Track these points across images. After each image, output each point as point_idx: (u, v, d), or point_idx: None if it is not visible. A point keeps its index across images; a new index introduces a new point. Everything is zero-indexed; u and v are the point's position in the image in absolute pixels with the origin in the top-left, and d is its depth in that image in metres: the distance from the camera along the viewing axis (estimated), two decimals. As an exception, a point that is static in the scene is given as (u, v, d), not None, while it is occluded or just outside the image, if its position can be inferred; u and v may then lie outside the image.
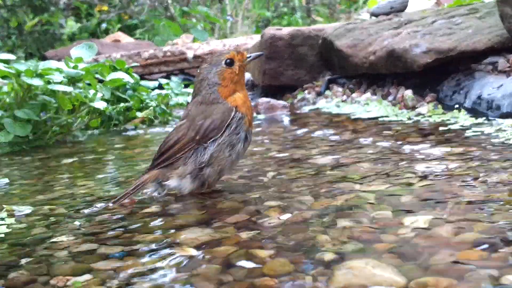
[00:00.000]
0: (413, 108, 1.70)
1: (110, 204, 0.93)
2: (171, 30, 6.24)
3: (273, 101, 2.14)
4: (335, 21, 6.36)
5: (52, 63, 1.85)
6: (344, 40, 2.22)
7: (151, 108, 2.29)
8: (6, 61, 1.79)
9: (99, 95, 1.96)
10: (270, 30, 2.54)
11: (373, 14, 2.52)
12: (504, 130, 1.24)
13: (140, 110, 2.31)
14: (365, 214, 0.75)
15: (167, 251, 0.69)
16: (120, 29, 6.97)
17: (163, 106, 2.33)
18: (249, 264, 0.62)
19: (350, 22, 2.45)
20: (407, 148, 1.18)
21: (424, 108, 1.64)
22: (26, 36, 5.95)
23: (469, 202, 0.76)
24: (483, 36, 1.65)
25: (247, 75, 3.14)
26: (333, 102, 2.15)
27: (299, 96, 2.43)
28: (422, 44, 1.71)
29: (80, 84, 1.97)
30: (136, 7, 7.06)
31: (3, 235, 0.81)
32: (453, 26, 1.81)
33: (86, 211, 0.92)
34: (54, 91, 1.85)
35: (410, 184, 0.88)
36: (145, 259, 0.66)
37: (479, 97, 1.48)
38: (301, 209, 0.81)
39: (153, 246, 0.71)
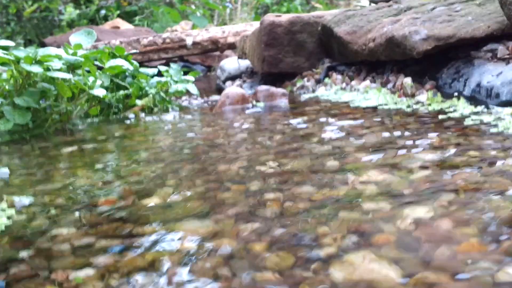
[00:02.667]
0: (412, 96, 1.70)
1: None
2: (170, 16, 6.22)
3: (272, 89, 2.13)
4: (334, 7, 6.33)
5: (51, 50, 1.84)
6: (343, 27, 2.22)
7: (151, 95, 2.29)
8: (5, 48, 1.79)
9: (99, 82, 1.96)
10: (269, 17, 2.53)
11: (373, 1, 2.51)
12: (503, 119, 1.23)
13: (140, 97, 2.31)
14: (364, 206, 0.75)
15: (167, 243, 0.69)
16: (119, 16, 6.94)
17: (162, 94, 2.33)
18: (249, 257, 0.62)
19: (350, 9, 2.44)
20: (406, 137, 1.18)
21: (424, 96, 1.64)
22: (25, 22, 5.93)
23: (469, 193, 0.76)
24: (482, 23, 1.64)
25: (246, 62, 3.14)
26: (332, 90, 2.14)
27: (298, 84, 2.43)
28: (422, 31, 1.71)
29: (80, 71, 1.97)
30: (135, -7, 7.02)
31: (3, 228, 0.82)
32: (452, 13, 1.80)
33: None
34: (54, 78, 1.84)
35: (409, 174, 0.89)
36: (145, 252, 0.67)
37: (478, 85, 1.48)
38: (301, 200, 0.81)
39: (153, 238, 0.71)
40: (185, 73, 2.57)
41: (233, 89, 2.20)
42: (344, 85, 2.13)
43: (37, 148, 1.55)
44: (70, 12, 6.67)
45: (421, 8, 1.99)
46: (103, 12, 7.04)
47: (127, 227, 0.77)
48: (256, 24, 3.64)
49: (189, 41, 4.41)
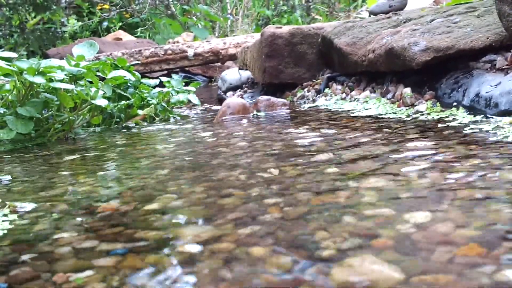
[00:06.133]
0: (412, 105, 1.71)
1: None
2: (172, 28, 6.26)
3: (273, 99, 2.15)
4: (334, 19, 6.37)
5: (54, 61, 1.86)
6: (343, 38, 2.23)
7: (152, 105, 2.30)
8: (8, 59, 1.81)
9: (101, 92, 1.98)
10: (270, 29, 2.55)
11: (372, 13, 2.53)
12: (502, 128, 1.24)
13: (141, 107, 2.33)
14: (364, 211, 0.76)
15: (168, 247, 0.70)
16: (121, 28, 6.99)
17: (164, 104, 2.35)
18: (250, 261, 0.63)
19: (350, 21, 2.46)
20: (405, 145, 1.19)
21: (423, 105, 1.66)
22: (28, 34, 5.97)
23: (468, 199, 0.77)
24: (481, 35, 1.66)
25: (247, 73, 3.16)
26: (333, 100, 2.16)
27: (299, 94, 2.44)
28: (421, 42, 1.72)
29: (82, 82, 1.99)
30: (137, 6, 7.08)
31: (5, 232, 0.83)
32: (451, 24, 1.82)
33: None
34: (56, 89, 1.86)
35: (409, 181, 0.90)
36: (146, 255, 0.68)
37: (477, 95, 1.49)
38: (301, 205, 0.82)
39: (154, 242, 0.72)
40: (187, 84, 2.59)
41: (234, 99, 2.22)
42: (344, 95, 2.15)
43: (39, 157, 1.56)
44: (73, 24, 6.73)
45: (420, 20, 2.01)
46: (105, 24, 7.09)
47: (128, 232, 0.78)
48: (257, 36, 3.67)
49: (190, 53, 4.44)
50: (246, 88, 3.11)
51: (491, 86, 1.47)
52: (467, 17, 1.86)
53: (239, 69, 3.36)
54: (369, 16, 2.59)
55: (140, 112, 2.30)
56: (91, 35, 6.90)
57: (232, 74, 3.30)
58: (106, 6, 7.20)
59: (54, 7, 6.00)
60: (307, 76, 2.54)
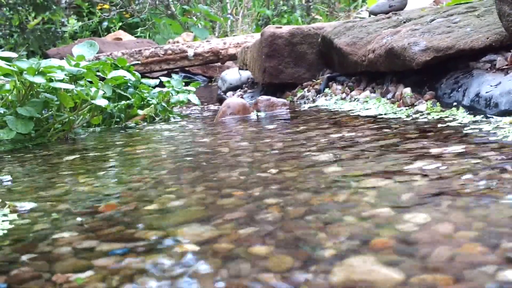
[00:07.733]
0: (412, 105, 1.71)
1: None
2: (172, 28, 6.26)
3: (273, 99, 2.15)
4: (334, 19, 6.37)
5: (54, 61, 1.86)
6: (343, 38, 2.24)
7: (152, 105, 2.30)
8: (8, 59, 1.81)
9: (101, 92, 1.98)
10: (270, 29, 2.55)
11: (372, 13, 2.53)
12: (502, 128, 1.24)
13: (141, 107, 2.33)
14: (364, 211, 0.76)
15: (168, 247, 0.70)
16: (121, 28, 7.00)
17: (164, 104, 2.35)
18: (250, 261, 0.63)
19: (350, 21, 2.46)
20: (405, 145, 1.19)
21: (423, 105, 1.66)
22: (28, 34, 5.96)
23: (468, 199, 0.77)
24: (481, 35, 1.66)
25: (247, 73, 3.16)
26: (333, 100, 2.16)
27: (299, 94, 2.44)
28: (421, 42, 1.72)
29: (82, 82, 1.99)
30: (137, 6, 7.08)
31: (6, 232, 0.83)
32: (451, 24, 1.82)
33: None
34: (56, 89, 1.86)
35: (409, 181, 0.90)
36: (146, 255, 0.68)
37: (477, 95, 1.49)
38: (301, 205, 0.82)
39: (154, 242, 0.72)
40: (187, 84, 2.59)
41: (234, 99, 2.22)
42: (344, 95, 2.15)
43: (39, 157, 1.56)
44: (73, 24, 6.73)
45: (420, 20, 2.01)
46: (105, 24, 7.09)
47: (128, 232, 0.78)
48: (257, 36, 3.67)
49: (190, 53, 4.44)
50: (246, 88, 3.11)
51: (491, 86, 1.47)
52: (467, 17, 1.86)
53: (239, 69, 3.36)
54: (369, 16, 2.59)
55: (140, 112, 2.30)
56: (91, 35, 6.91)
57: (232, 74, 3.30)
58: (106, 6, 7.21)
59: (54, 7, 5.99)
60: (307, 76, 2.54)
